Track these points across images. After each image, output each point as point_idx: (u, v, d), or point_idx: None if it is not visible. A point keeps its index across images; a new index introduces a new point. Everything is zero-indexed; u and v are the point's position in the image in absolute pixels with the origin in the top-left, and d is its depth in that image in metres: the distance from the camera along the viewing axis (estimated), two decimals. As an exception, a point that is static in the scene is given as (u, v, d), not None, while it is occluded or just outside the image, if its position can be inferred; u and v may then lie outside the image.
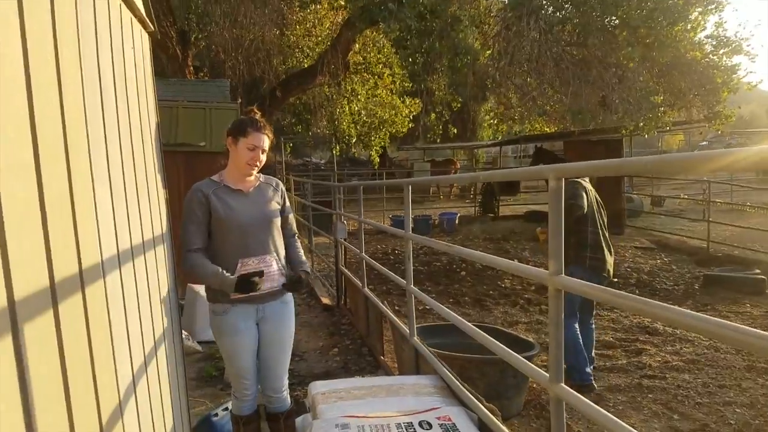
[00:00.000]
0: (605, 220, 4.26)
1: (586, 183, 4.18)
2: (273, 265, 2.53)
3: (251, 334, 2.54)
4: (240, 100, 13.70)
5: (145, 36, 2.04)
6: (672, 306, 1.23)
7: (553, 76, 7.88)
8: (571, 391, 1.59)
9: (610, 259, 4.11)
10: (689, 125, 11.67)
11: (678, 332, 5.31)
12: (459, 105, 11.78)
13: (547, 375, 1.69)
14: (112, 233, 1.30)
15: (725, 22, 8.90)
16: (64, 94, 1.05)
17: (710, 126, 9.58)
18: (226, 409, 2.76)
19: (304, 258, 2.75)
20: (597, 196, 4.26)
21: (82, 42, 1.19)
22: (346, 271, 5.98)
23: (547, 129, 11.41)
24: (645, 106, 8.18)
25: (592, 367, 4.18)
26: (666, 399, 3.90)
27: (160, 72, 13.60)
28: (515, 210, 15.04)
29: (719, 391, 4.02)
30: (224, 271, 2.35)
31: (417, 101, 11.89)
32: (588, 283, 1.53)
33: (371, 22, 8.67)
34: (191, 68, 12.89)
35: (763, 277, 7.00)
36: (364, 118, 11.74)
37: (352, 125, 11.49)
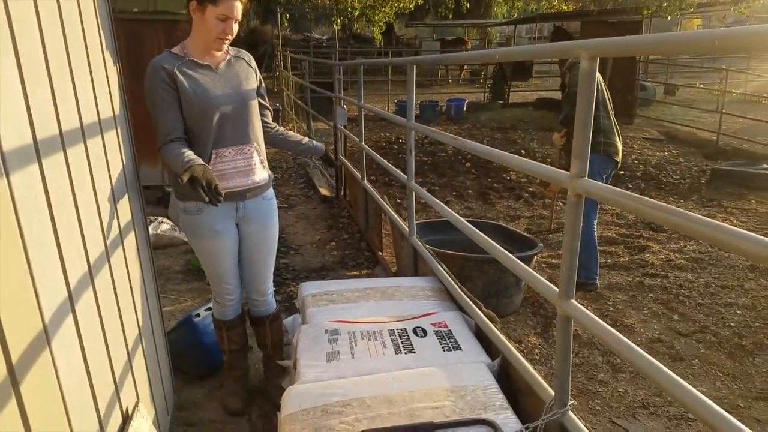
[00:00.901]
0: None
1: None
2: (253, 157, 2.22)
3: (231, 235, 2.29)
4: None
5: None
6: (700, 216, 1.01)
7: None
8: (581, 308, 1.41)
9: (620, 144, 3.96)
10: (712, 8, 10.81)
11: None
12: (474, -24, 10.80)
13: (557, 289, 1.50)
14: (22, 118, 1.02)
15: None
16: None
17: (735, 9, 8.93)
18: (210, 308, 2.63)
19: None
20: (603, 82, 3.98)
21: None
22: (346, 161, 5.72)
23: (565, 7, 10.57)
24: (671, -16, 7.48)
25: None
26: (667, 299, 3.82)
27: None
28: (525, 97, 14.41)
29: (721, 292, 3.93)
30: (189, 156, 1.92)
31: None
32: (615, 189, 1.28)
33: None
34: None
35: (771, 171, 6.76)
36: (369, -13, 10.73)
37: (355, -5, 10.52)
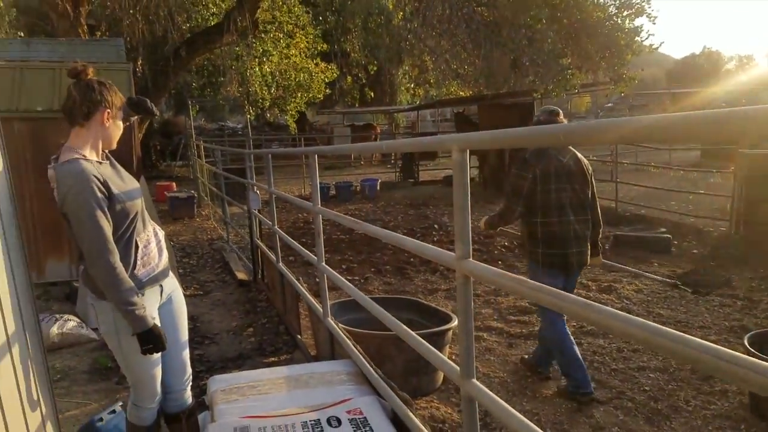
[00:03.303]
0: (586, 194, 3.43)
1: (571, 149, 3.38)
2: (158, 234, 2.26)
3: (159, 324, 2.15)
4: (140, 61, 12.70)
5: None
6: (589, 302, 1.10)
7: (465, 37, 7.77)
8: (484, 389, 1.46)
9: (575, 250, 3.38)
10: (596, 88, 11.99)
11: (590, 294, 5.46)
12: (375, 68, 11.52)
13: (458, 368, 1.54)
14: None
15: (628, -17, 8.95)
16: None
17: (615, 88, 9.79)
18: (114, 411, 2.45)
19: None
20: (578, 161, 3.43)
21: None
22: (262, 244, 5.68)
23: (462, 93, 11.39)
24: (554, 69, 8.26)
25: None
26: (584, 367, 3.92)
27: (50, 32, 12.34)
28: (435, 175, 15.19)
29: (633, 356, 4.00)
30: (143, 304, 2.01)
31: (333, 66, 11.46)
32: (499, 271, 1.37)
33: (278, -23, 8.16)
34: (85, 27, 11.79)
35: (668, 235, 7.26)
36: (279, 80, 11.16)
37: (265, 88, 10.89)
